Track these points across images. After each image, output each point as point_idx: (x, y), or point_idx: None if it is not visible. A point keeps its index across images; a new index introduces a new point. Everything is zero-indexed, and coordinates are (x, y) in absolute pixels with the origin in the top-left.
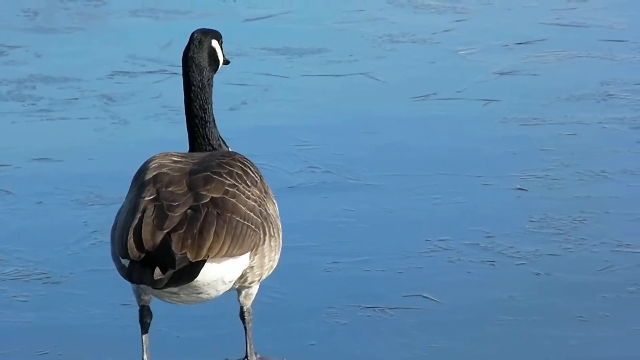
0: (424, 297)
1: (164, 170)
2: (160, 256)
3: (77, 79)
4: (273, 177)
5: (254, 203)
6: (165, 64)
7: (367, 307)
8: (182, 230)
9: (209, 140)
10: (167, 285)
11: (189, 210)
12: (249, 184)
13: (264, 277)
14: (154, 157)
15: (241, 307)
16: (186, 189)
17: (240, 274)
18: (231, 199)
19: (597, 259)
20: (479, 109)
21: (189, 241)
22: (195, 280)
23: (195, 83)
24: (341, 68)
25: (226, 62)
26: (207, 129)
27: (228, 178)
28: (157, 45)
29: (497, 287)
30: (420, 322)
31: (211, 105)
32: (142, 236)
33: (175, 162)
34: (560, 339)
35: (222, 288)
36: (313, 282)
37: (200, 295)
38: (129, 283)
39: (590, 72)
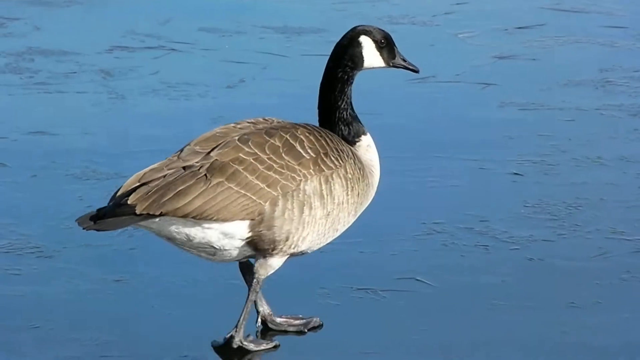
0: (417, 280)
1: (216, 131)
2: (109, 203)
3: (76, 53)
4: None
5: (275, 175)
6: (164, 40)
7: (359, 289)
8: (153, 185)
9: (331, 119)
10: (92, 227)
11: (181, 169)
12: (284, 156)
13: (279, 248)
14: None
15: (252, 274)
16: (208, 150)
17: (242, 237)
18: (236, 166)
19: (591, 245)
20: (478, 93)
21: (148, 194)
22: (171, 232)
23: (327, 69)
24: None
25: (409, 68)
26: (331, 113)
27: (252, 147)
28: (156, 21)
29: (490, 272)
30: (412, 305)
31: (340, 96)
32: (122, 185)
33: (238, 125)
34: (552, 325)
35: (226, 245)
36: (306, 263)
37: (206, 249)
38: (120, 259)
39: (590, 58)
